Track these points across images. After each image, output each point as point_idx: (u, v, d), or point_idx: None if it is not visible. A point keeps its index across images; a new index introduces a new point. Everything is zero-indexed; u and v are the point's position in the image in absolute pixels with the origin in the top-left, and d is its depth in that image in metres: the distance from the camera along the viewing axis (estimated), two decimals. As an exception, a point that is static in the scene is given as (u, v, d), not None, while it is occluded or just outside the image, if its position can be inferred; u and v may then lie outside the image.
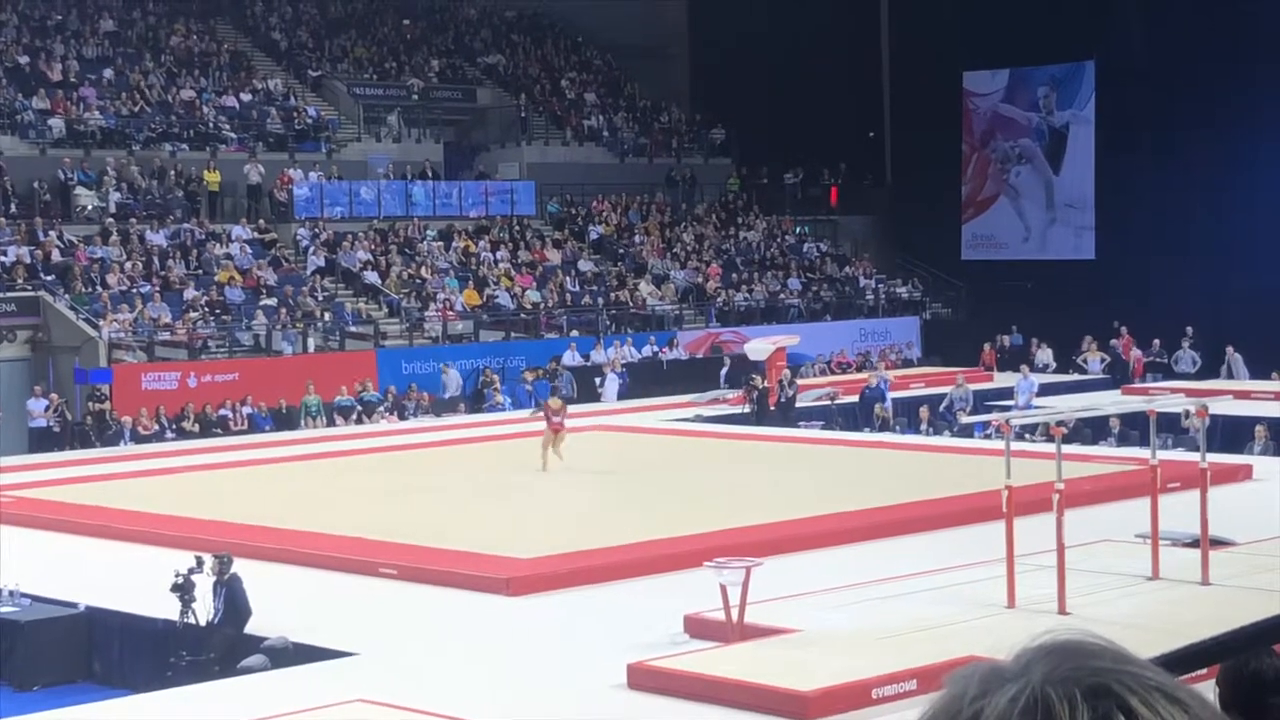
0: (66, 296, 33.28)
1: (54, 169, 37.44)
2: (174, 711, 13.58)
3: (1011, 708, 1.31)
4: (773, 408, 32.75)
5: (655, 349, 38.72)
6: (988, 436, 28.49)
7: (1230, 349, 36.45)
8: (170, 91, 41.68)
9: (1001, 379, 36.45)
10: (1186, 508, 16.94)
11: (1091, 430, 29.04)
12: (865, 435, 30.85)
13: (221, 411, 31.97)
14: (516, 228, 43.01)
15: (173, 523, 21.06)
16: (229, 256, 37.21)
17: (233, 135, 41.11)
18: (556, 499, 23.11)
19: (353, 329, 36.15)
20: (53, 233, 35.36)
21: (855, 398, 33.65)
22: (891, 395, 33.03)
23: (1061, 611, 14.50)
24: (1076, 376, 37.48)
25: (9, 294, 32.86)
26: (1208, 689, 3.66)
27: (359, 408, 33.34)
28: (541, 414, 26.30)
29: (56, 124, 38.53)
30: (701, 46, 52.59)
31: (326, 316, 36.20)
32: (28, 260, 33.93)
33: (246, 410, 32.21)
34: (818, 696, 12.61)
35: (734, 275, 43.53)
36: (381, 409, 33.56)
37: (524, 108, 47.33)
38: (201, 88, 42.25)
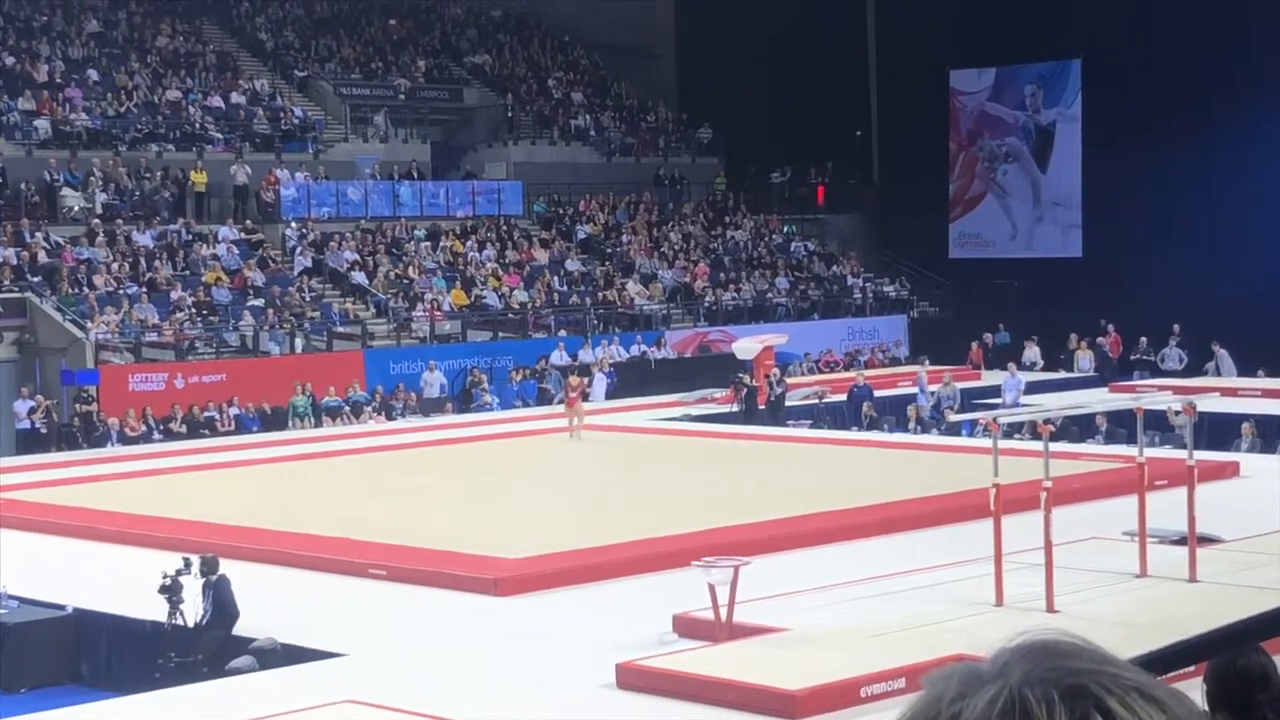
0: (53, 298, 33.21)
1: (40, 170, 37.35)
2: (162, 713, 13.57)
3: (990, 709, 1.31)
4: (761, 406, 32.80)
5: (643, 348, 38.69)
6: (975, 435, 28.51)
7: (1217, 346, 36.50)
8: (156, 92, 41.60)
9: (989, 377, 36.47)
10: (1174, 505, 16.95)
11: (1079, 428, 29.08)
12: (853, 434, 30.89)
13: (208, 412, 31.92)
14: (504, 227, 42.97)
15: (160, 524, 21.01)
16: (216, 257, 37.15)
17: (219, 136, 41.02)
18: (544, 499, 23.07)
19: (340, 329, 36.09)
20: (39, 234, 35.29)
21: (843, 396, 33.71)
22: (879, 394, 33.11)
23: (1050, 609, 14.51)
24: (1064, 374, 37.52)
25: (-5, 295, 32.82)
26: (1195, 686, 3.67)
27: (347, 408, 33.31)
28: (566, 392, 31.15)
29: (42, 125, 38.45)
30: (688, 46, 52.59)
31: (314, 316, 36.14)
32: (14, 261, 33.88)
33: (234, 411, 32.16)
34: (806, 695, 12.62)
35: (721, 274, 43.51)
36: (369, 409, 33.51)
37: (511, 107, 47.29)
38: (187, 88, 42.17)
